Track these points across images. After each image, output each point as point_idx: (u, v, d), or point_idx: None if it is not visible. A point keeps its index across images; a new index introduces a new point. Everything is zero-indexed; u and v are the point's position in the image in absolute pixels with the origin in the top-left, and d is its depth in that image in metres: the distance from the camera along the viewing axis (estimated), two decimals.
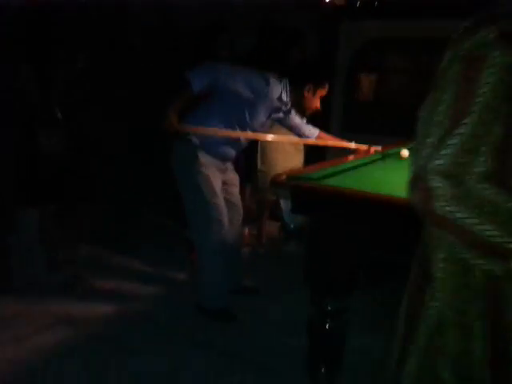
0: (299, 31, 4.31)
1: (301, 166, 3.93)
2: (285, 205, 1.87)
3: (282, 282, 3.32)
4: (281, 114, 2.77)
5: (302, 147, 3.87)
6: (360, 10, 6.00)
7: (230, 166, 2.97)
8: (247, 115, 2.65)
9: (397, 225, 1.60)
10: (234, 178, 3.01)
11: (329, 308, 1.91)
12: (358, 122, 6.48)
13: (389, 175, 2.32)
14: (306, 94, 2.66)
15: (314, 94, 2.67)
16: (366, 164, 2.54)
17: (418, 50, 6.15)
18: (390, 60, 6.57)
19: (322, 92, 2.71)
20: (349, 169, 2.31)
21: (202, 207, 2.73)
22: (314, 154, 3.83)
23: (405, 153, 3.01)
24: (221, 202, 2.78)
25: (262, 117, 2.70)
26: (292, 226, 1.80)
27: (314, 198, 1.79)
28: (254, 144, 3.51)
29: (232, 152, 2.82)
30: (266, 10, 4.68)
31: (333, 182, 1.97)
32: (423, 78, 6.31)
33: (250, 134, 2.74)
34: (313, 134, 2.94)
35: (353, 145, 2.90)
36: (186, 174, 2.75)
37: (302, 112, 2.82)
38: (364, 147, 2.87)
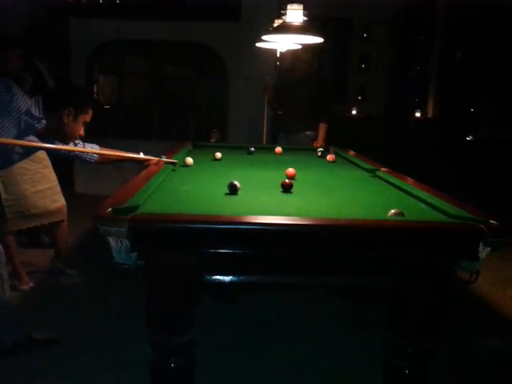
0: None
1: (56, 183, 3.45)
2: (114, 242, 1.53)
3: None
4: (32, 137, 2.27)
5: (49, 162, 3.40)
6: (91, 9, 5.62)
7: None
8: None
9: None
10: None
11: (172, 345, 1.71)
12: (100, 126, 6.10)
13: (199, 187, 2.28)
14: (65, 119, 2.26)
15: (75, 119, 2.31)
16: (165, 178, 2.38)
17: (156, 52, 6.14)
18: (129, 62, 6.36)
19: (86, 118, 2.36)
20: (158, 187, 2.14)
21: None
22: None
23: (189, 160, 2.93)
24: None
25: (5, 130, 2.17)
26: (126, 266, 1.49)
27: (157, 231, 1.54)
28: None
29: None
30: None
31: (158, 206, 1.78)
32: (160, 81, 6.35)
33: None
34: (93, 153, 2.58)
35: (141, 156, 2.67)
36: None
37: (63, 140, 2.41)
38: (154, 159, 2.68)
